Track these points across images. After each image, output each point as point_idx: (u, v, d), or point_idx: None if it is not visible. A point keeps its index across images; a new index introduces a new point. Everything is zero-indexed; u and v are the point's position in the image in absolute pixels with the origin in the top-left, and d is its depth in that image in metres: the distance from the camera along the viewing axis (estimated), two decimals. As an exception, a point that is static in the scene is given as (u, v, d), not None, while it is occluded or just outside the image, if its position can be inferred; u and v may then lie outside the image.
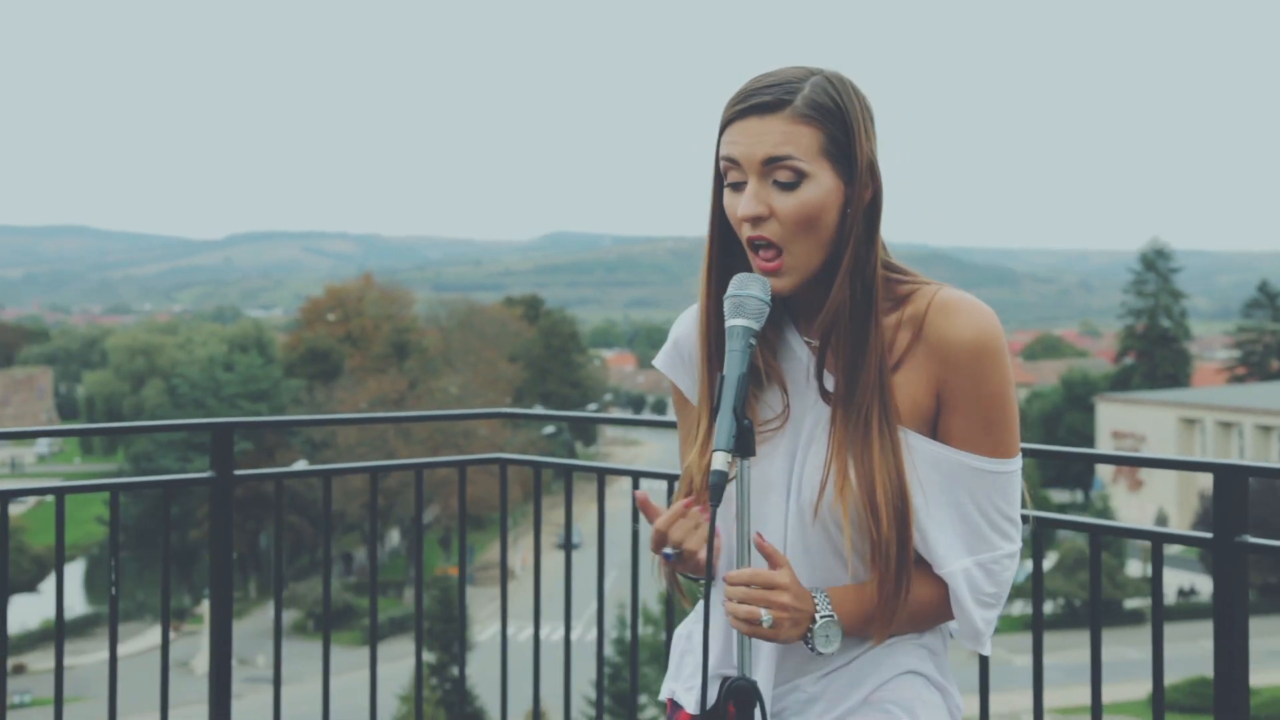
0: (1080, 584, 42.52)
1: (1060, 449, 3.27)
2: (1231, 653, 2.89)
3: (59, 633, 3.66)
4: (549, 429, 58.14)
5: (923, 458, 1.96)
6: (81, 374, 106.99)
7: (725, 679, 1.96)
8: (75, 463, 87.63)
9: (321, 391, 58.09)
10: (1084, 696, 5.13)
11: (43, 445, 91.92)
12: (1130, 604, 44.77)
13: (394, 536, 57.60)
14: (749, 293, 1.92)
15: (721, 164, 1.97)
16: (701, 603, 2.02)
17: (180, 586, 52.08)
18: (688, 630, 2.12)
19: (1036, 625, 3.22)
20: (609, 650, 35.44)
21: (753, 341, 1.89)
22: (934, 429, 1.98)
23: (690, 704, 2.04)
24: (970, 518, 1.97)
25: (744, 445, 1.84)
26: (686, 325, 2.10)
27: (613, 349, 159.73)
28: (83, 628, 45.86)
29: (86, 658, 38.77)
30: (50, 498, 3.73)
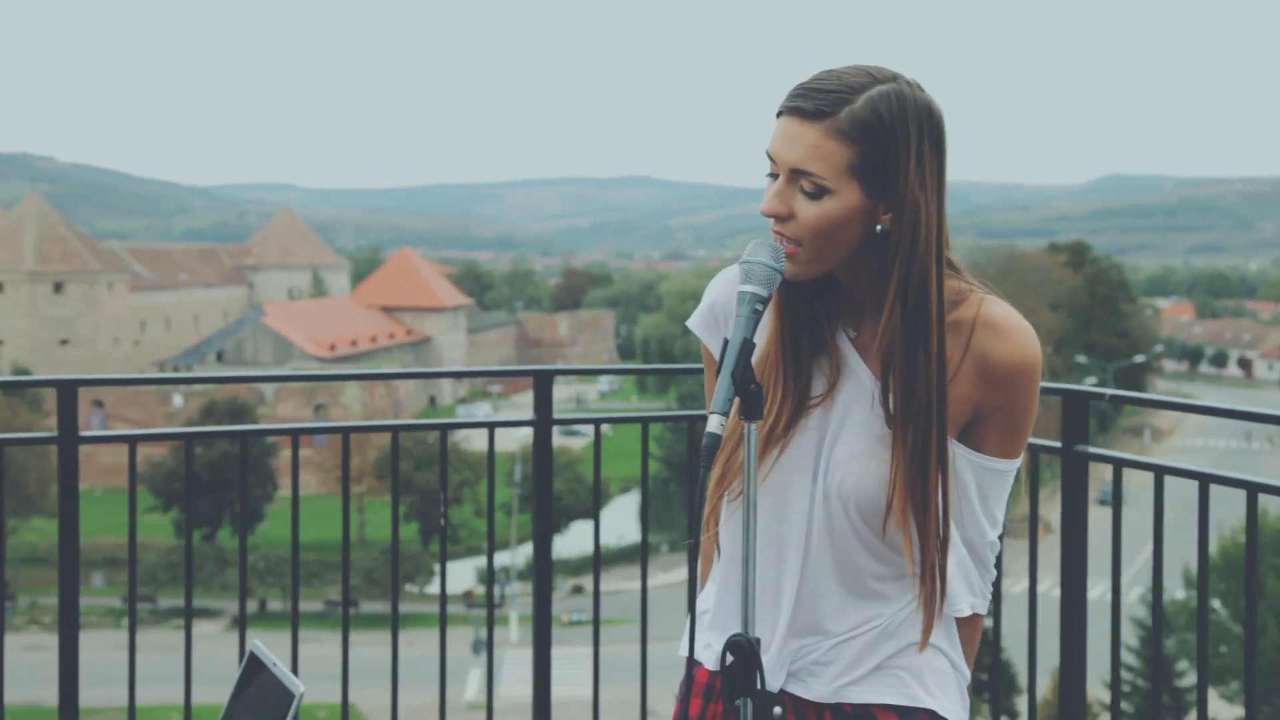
0: None
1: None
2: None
3: (595, 563, 4.11)
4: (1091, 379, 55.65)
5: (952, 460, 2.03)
6: (639, 316, 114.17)
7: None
8: (632, 400, 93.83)
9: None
10: None
11: (604, 383, 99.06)
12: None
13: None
14: (759, 259, 1.91)
15: (770, 153, 1.98)
16: (718, 566, 2.11)
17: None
18: (711, 592, 2.16)
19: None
20: (1140, 612, 34.04)
21: (759, 308, 1.89)
22: (960, 434, 2.03)
23: (709, 661, 2.10)
24: (971, 507, 2.04)
25: (749, 409, 1.87)
26: (723, 289, 2.10)
27: (1169, 298, 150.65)
28: (633, 555, 49.20)
29: (633, 583, 41.53)
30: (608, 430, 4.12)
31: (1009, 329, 1.98)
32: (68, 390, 3.68)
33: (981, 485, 2.03)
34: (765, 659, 2.03)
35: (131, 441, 3.89)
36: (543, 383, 4.02)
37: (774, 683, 2.03)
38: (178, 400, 64.77)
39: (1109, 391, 3.56)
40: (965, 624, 2.10)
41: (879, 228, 1.93)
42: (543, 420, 4.03)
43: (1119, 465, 3.54)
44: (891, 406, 1.97)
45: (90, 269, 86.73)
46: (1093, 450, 3.59)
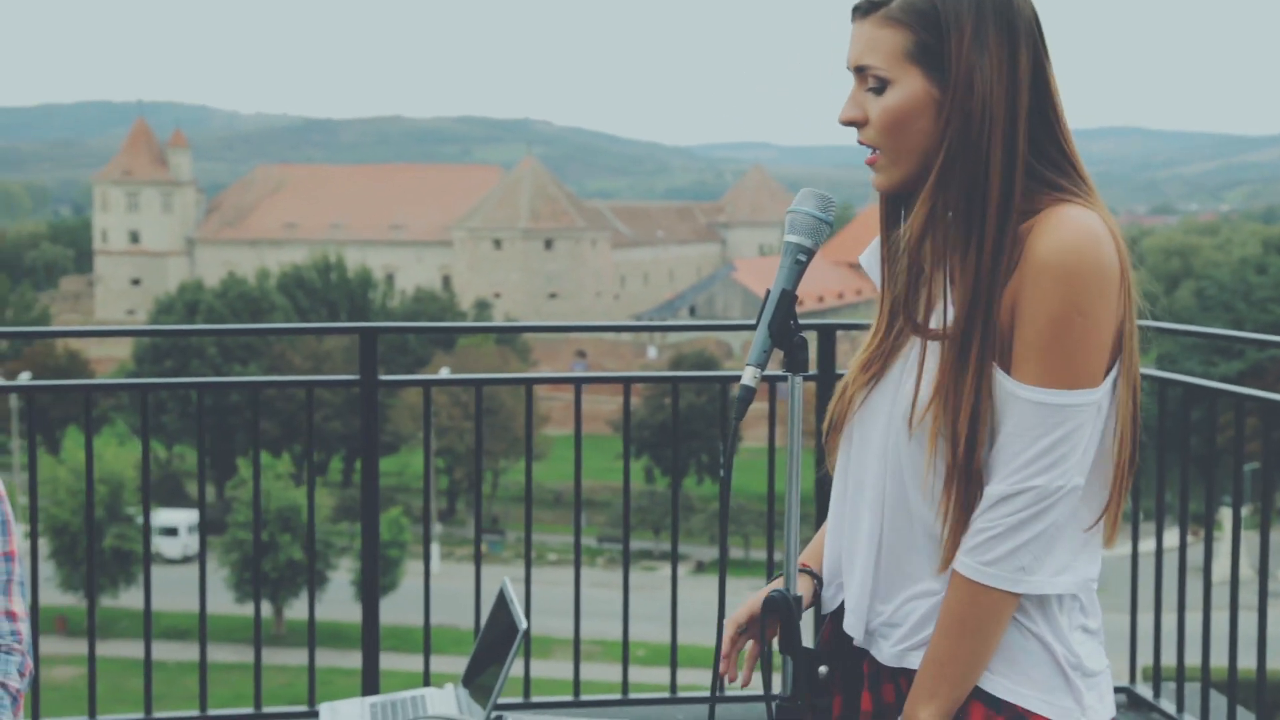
0: None
1: None
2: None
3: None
4: None
5: (999, 393, 1.82)
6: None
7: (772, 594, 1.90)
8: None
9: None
10: None
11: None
12: None
13: None
14: (804, 209, 1.85)
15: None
16: (828, 523, 2.00)
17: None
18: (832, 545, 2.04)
19: None
20: None
21: (802, 258, 1.82)
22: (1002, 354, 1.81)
23: (824, 604, 2.02)
24: (1008, 442, 1.80)
25: (793, 361, 1.80)
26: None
27: None
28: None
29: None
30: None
31: (1062, 223, 1.79)
32: (369, 337, 3.89)
33: (1024, 419, 1.78)
34: (849, 616, 1.96)
35: (426, 385, 4.14)
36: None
37: (858, 639, 1.95)
38: (652, 352, 67.85)
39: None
40: (953, 587, 1.84)
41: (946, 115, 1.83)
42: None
43: None
44: (919, 312, 1.86)
45: (577, 227, 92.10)
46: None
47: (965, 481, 1.81)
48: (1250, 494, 23.75)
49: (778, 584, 1.90)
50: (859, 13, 1.89)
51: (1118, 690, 4.44)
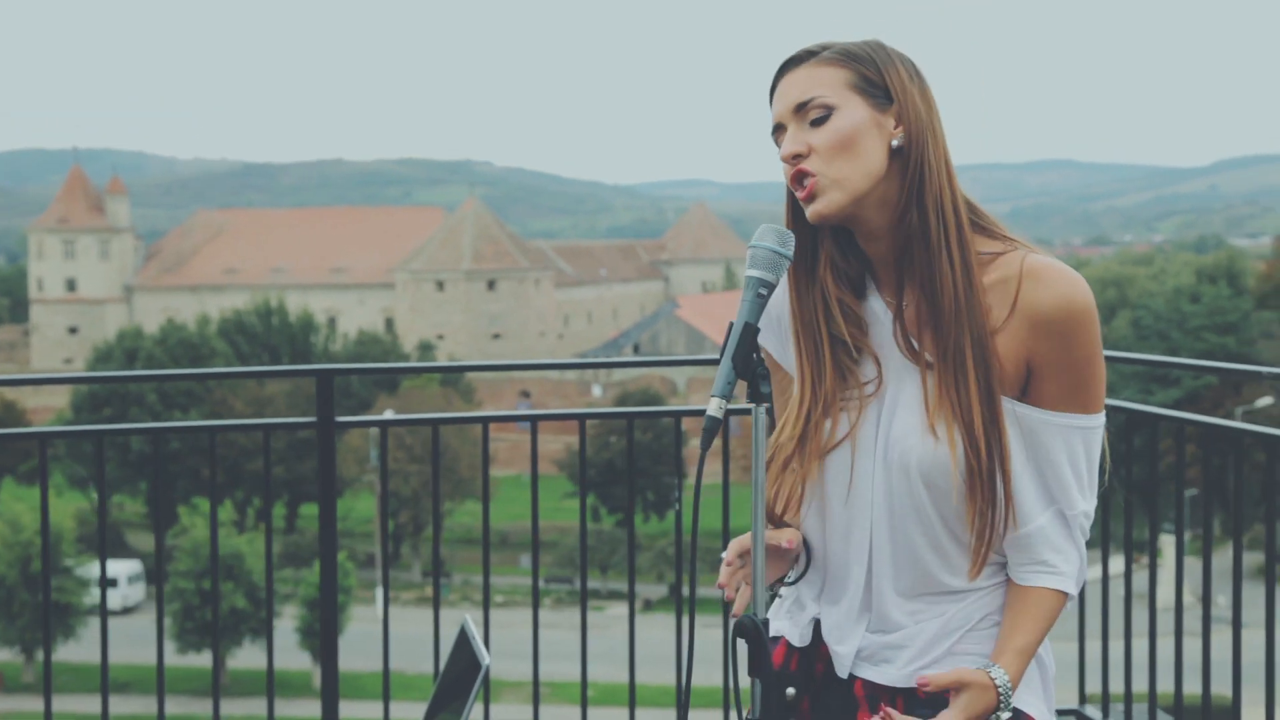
0: None
1: None
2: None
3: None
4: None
5: (1013, 420, 1.94)
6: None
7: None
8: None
9: (1296, 325, 54.58)
10: None
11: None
12: None
13: None
14: (764, 245, 1.92)
15: (774, 131, 1.99)
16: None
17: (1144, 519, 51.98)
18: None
19: None
20: None
21: (763, 292, 1.90)
22: (1023, 392, 1.95)
23: (793, 638, 2.08)
24: (1060, 473, 1.94)
25: (755, 391, 1.87)
26: (781, 285, 2.06)
27: None
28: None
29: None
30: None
31: (1055, 277, 1.94)
32: (325, 379, 3.89)
33: (1070, 446, 1.96)
34: (837, 644, 2.03)
35: (383, 426, 4.08)
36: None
37: (845, 667, 2.02)
38: (596, 390, 67.83)
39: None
40: (1038, 599, 1.98)
41: (894, 142, 1.94)
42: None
43: None
44: (908, 329, 1.96)
45: (520, 267, 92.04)
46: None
47: (990, 492, 1.93)
48: (1190, 521, 24.02)
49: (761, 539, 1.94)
50: (792, 64, 2.00)
51: (1067, 713, 4.53)
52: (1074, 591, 2.01)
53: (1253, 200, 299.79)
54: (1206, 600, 3.80)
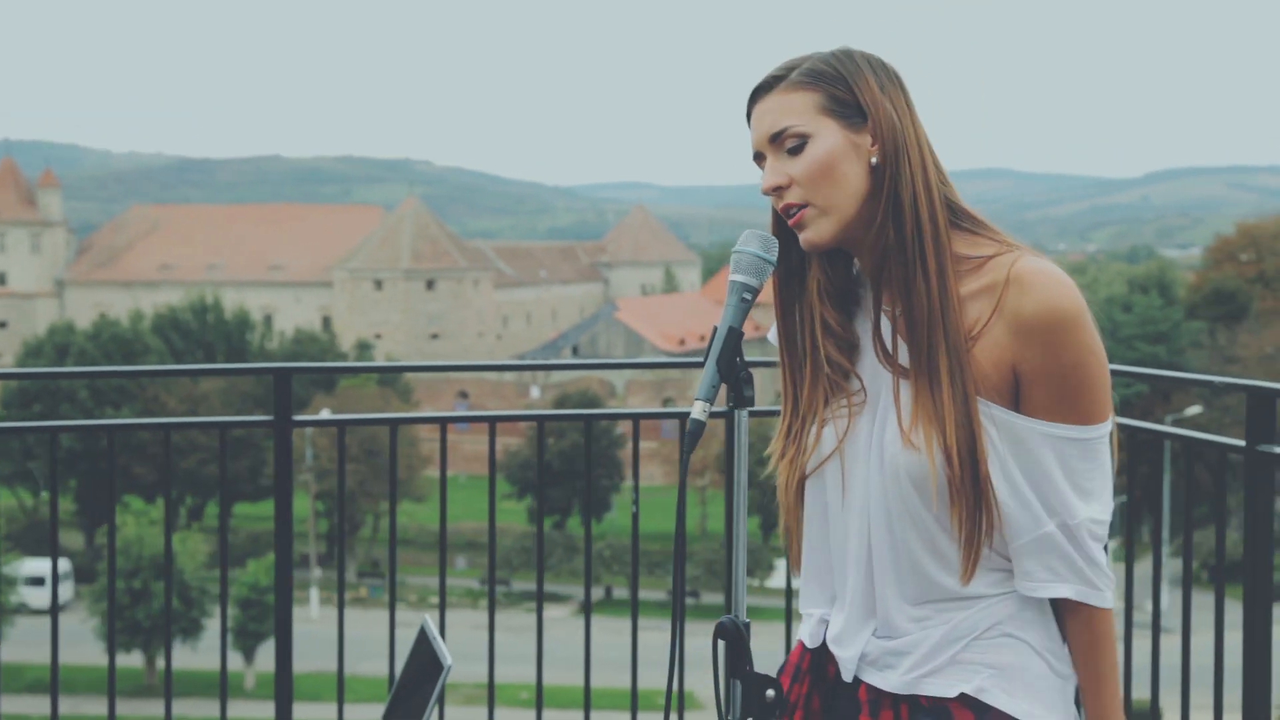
0: None
1: None
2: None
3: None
4: None
5: (1004, 430, 1.90)
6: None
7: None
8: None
9: (1224, 335, 55.49)
10: None
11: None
12: None
13: None
14: (748, 250, 1.94)
15: (755, 158, 2.01)
16: (804, 559, 2.09)
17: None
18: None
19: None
20: None
21: (747, 297, 1.92)
22: (1015, 402, 1.91)
23: (807, 639, 2.10)
24: (1054, 482, 1.90)
25: (739, 396, 1.88)
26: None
27: None
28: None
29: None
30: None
31: (1040, 282, 1.90)
32: (283, 377, 3.87)
33: (1061, 455, 1.90)
34: (840, 649, 2.03)
35: (341, 425, 4.06)
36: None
37: (849, 671, 2.02)
38: (535, 392, 67.69)
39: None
40: (1074, 616, 1.96)
41: (873, 160, 1.95)
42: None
43: None
44: (888, 338, 1.95)
45: (459, 267, 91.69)
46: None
47: (972, 498, 1.91)
48: (1119, 528, 24.28)
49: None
50: (761, 91, 2.00)
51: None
52: (1095, 601, 1.94)
53: (1184, 212, 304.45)
54: (1129, 606, 3.82)
